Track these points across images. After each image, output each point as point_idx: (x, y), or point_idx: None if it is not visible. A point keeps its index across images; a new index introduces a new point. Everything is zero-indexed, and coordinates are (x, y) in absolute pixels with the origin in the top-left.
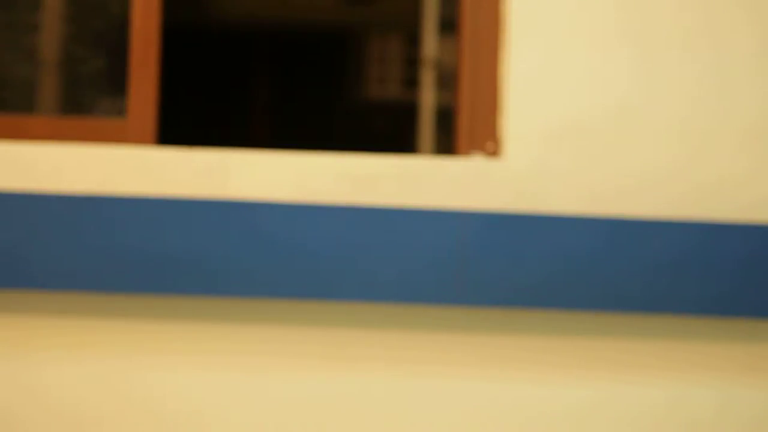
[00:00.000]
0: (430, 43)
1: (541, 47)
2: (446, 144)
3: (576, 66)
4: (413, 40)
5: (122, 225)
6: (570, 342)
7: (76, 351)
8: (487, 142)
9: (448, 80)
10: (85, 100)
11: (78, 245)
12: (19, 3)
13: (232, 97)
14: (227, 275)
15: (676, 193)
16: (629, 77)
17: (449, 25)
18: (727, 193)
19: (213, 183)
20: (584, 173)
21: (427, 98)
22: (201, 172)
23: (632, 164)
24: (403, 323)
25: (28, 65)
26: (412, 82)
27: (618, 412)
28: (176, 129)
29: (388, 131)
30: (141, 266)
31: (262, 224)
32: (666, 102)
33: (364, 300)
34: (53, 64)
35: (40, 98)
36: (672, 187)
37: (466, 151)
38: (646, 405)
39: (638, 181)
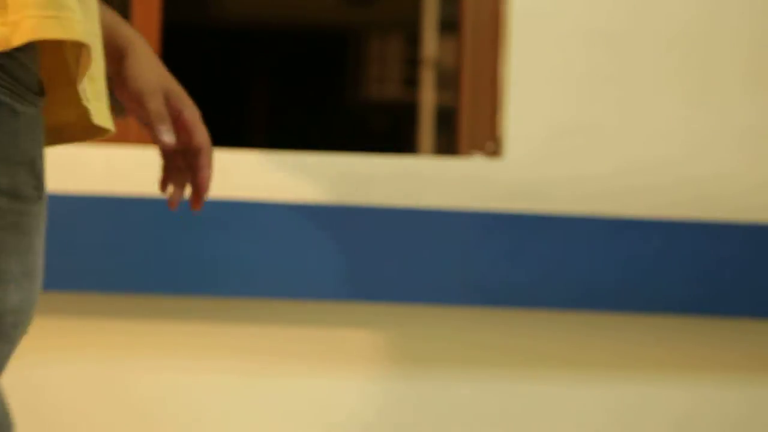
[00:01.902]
0: (430, 43)
1: (542, 47)
2: (446, 144)
3: (576, 66)
4: (413, 40)
5: (122, 225)
6: (570, 342)
7: (76, 351)
8: (488, 142)
9: (448, 80)
10: None
11: (77, 245)
12: None
13: (231, 96)
14: (227, 275)
15: (677, 193)
16: (630, 77)
17: (449, 25)
18: (730, 194)
19: (212, 182)
20: (584, 173)
21: (427, 98)
22: None
23: (633, 164)
24: (402, 323)
25: None
26: (412, 82)
27: (616, 411)
28: None
29: (388, 131)
30: (140, 266)
31: (261, 224)
32: (668, 102)
33: (364, 300)
34: None
35: None
36: (673, 187)
37: (467, 151)
38: (645, 404)
39: (639, 181)
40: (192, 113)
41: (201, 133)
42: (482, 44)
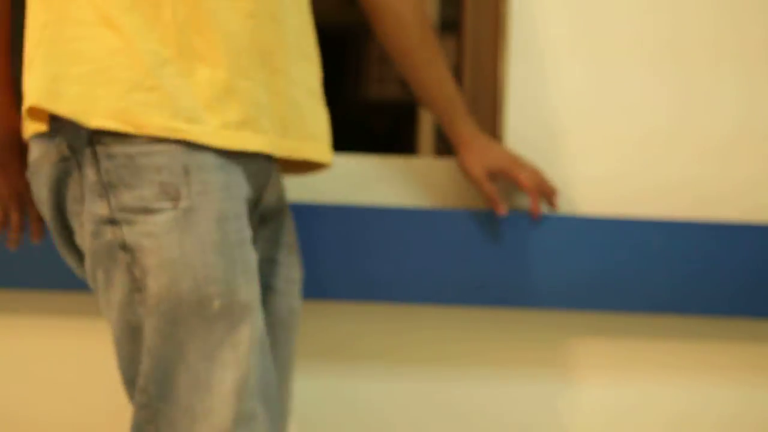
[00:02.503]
0: None
1: (542, 47)
2: (446, 144)
3: (576, 66)
4: None
5: None
6: (570, 342)
7: (77, 352)
8: None
9: None
10: None
11: None
12: (19, 3)
13: None
14: None
15: (677, 193)
16: (630, 77)
17: (449, 25)
18: (730, 194)
19: None
20: (584, 173)
21: None
22: None
23: (633, 164)
24: (403, 323)
25: None
26: None
27: (616, 411)
28: None
29: (388, 131)
30: None
31: None
32: (668, 102)
33: (364, 300)
34: None
35: None
36: (673, 187)
37: None
38: (645, 404)
39: (639, 182)
40: (527, 177)
41: (539, 190)
42: (482, 44)
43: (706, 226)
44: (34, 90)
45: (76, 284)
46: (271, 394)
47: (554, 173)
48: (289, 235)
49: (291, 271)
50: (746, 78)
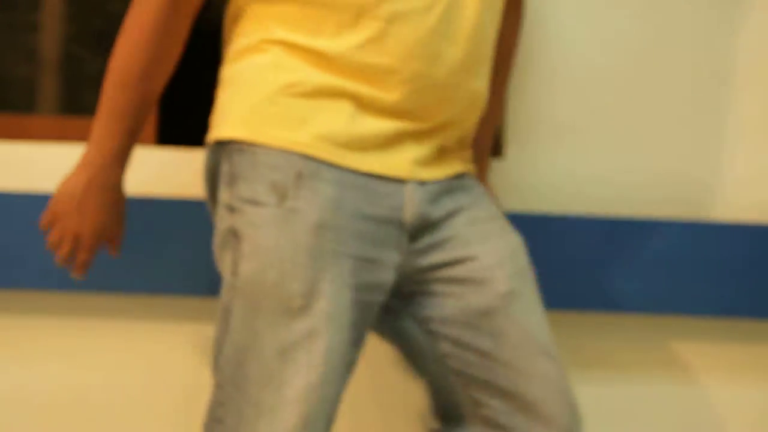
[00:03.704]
0: None
1: (542, 47)
2: None
3: (576, 66)
4: None
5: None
6: (571, 342)
7: (76, 352)
8: None
9: None
10: (85, 100)
11: None
12: (19, 3)
13: None
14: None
15: (677, 192)
16: (630, 78)
17: None
18: (730, 194)
19: None
20: (584, 173)
21: None
22: (201, 172)
23: (633, 164)
24: None
25: (28, 65)
26: None
27: (617, 412)
28: (176, 129)
29: None
30: (141, 266)
31: None
32: (667, 103)
33: None
34: (53, 64)
35: (40, 98)
36: (672, 187)
37: None
38: (644, 404)
39: (639, 181)
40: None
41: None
42: None
43: (707, 226)
44: None
45: (77, 285)
46: (331, 416)
47: (554, 173)
48: (467, 226)
49: (484, 260)
50: (753, 77)
